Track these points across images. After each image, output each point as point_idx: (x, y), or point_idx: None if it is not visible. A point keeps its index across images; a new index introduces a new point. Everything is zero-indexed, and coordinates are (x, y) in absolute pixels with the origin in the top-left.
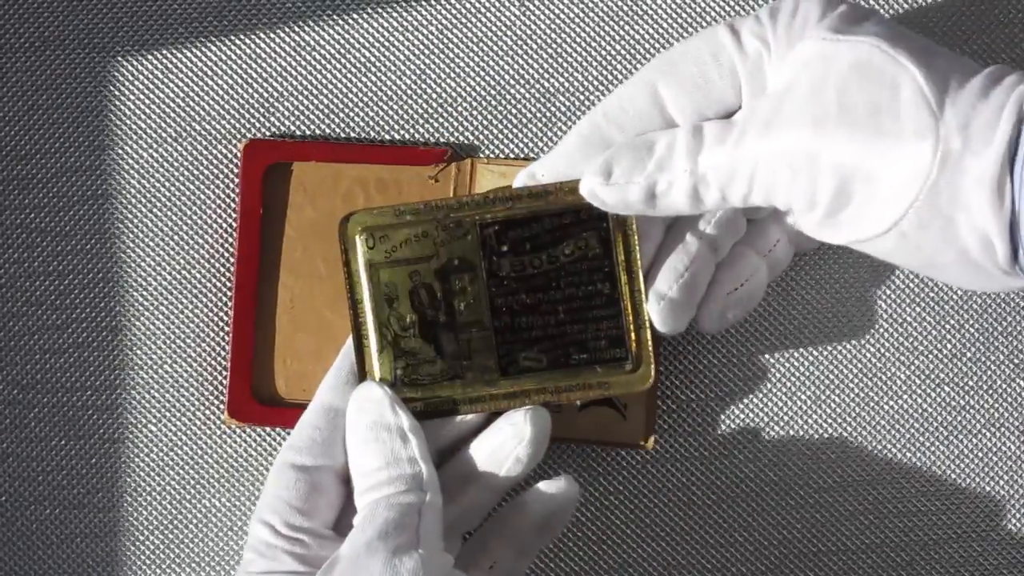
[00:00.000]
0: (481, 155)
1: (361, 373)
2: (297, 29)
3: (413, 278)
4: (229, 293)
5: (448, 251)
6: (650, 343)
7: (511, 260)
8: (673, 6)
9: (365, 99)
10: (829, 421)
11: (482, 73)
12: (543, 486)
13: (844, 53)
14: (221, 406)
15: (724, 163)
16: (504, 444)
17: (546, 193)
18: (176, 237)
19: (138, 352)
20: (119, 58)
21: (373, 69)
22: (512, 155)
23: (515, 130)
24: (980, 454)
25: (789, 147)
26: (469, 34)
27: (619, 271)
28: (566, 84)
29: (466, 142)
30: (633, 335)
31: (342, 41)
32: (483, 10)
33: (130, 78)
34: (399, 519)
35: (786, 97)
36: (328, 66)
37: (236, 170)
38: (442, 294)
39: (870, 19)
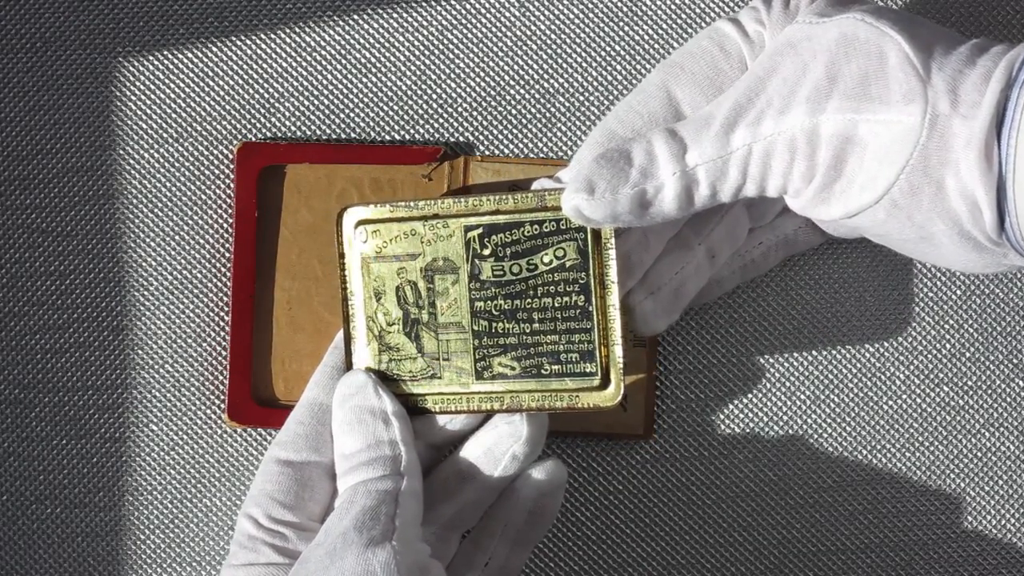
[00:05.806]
0: (476, 153)
1: (348, 363)
2: (297, 30)
3: (400, 274)
4: (229, 294)
5: (433, 250)
6: (620, 361)
7: (491, 264)
8: (673, 6)
9: (365, 100)
10: (829, 421)
11: (482, 73)
12: (531, 471)
13: (830, 30)
14: (221, 406)
15: (715, 158)
16: (500, 441)
17: (535, 198)
18: (177, 237)
19: (139, 352)
20: (119, 58)
21: (373, 70)
22: (513, 155)
23: (515, 130)
24: (979, 454)
25: (787, 130)
26: (469, 34)
27: (594, 284)
28: (566, 84)
29: (466, 142)
30: (604, 351)
31: (342, 42)
32: (483, 10)
33: (130, 78)
34: (375, 507)
35: (772, 80)
36: (328, 67)
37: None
38: (426, 293)
39: (856, 3)
